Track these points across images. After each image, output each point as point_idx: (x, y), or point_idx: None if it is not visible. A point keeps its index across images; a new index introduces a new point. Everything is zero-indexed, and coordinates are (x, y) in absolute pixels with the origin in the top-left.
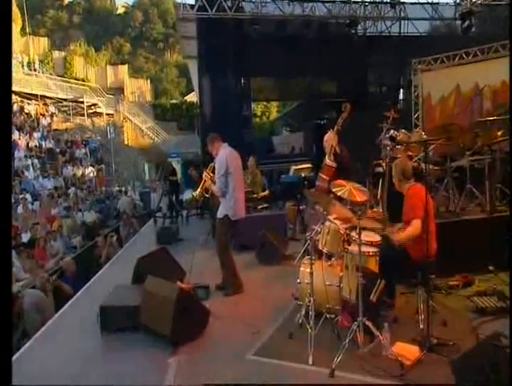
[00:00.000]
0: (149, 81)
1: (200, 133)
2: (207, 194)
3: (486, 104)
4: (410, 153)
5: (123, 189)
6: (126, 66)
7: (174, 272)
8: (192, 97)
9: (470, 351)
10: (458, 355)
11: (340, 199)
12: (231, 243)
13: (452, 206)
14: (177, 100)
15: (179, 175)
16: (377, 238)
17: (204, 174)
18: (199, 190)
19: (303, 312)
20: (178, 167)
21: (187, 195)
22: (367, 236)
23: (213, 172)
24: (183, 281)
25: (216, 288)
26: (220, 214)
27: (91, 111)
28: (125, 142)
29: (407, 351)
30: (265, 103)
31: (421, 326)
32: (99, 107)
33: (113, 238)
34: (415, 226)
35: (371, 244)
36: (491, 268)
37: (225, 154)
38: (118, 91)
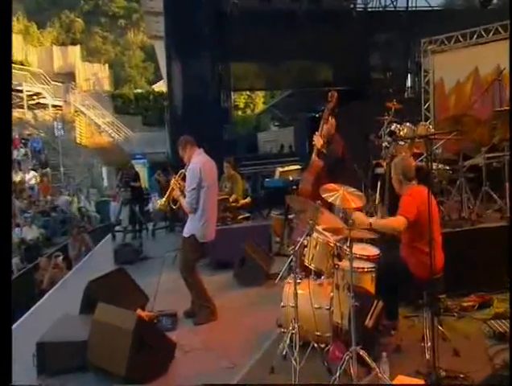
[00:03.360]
0: (107, 66)
1: (170, 130)
2: (174, 205)
3: (507, 90)
4: (417, 151)
5: (75, 198)
6: (78, 47)
7: (133, 297)
8: (161, 86)
9: (484, 383)
10: None
11: (330, 206)
12: (202, 261)
13: (465, 212)
14: (142, 90)
15: (144, 181)
16: (373, 252)
17: (173, 181)
18: (164, 199)
19: (287, 341)
20: (143, 171)
21: (153, 204)
22: (361, 250)
23: (184, 180)
24: (144, 309)
25: (185, 315)
26: (186, 232)
27: (32, 102)
28: (78, 141)
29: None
30: (248, 93)
31: (427, 356)
32: (43, 97)
33: (58, 258)
34: (397, 221)
35: (367, 258)
36: None
37: (199, 164)
38: (68, 77)
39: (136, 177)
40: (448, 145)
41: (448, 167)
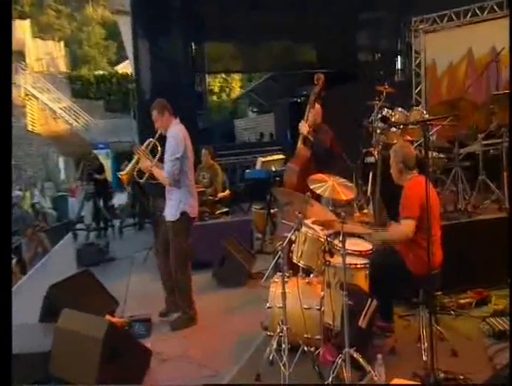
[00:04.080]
0: (62, 44)
1: (136, 116)
2: (140, 179)
3: (505, 72)
4: (409, 138)
5: (27, 193)
6: (28, 22)
7: (101, 302)
8: (125, 68)
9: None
10: None
11: (319, 197)
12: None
13: (461, 203)
14: (104, 72)
15: (108, 173)
16: (366, 247)
17: (140, 149)
18: (129, 168)
19: (275, 345)
20: (107, 162)
21: (119, 199)
22: (354, 245)
23: (153, 151)
24: (114, 315)
25: (160, 316)
26: (173, 214)
27: None
28: (29, 128)
29: None
30: (223, 76)
31: (424, 358)
32: None
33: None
34: (405, 226)
35: (359, 254)
36: None
37: (181, 132)
38: (16, 56)
39: (100, 169)
40: (442, 132)
41: (442, 155)
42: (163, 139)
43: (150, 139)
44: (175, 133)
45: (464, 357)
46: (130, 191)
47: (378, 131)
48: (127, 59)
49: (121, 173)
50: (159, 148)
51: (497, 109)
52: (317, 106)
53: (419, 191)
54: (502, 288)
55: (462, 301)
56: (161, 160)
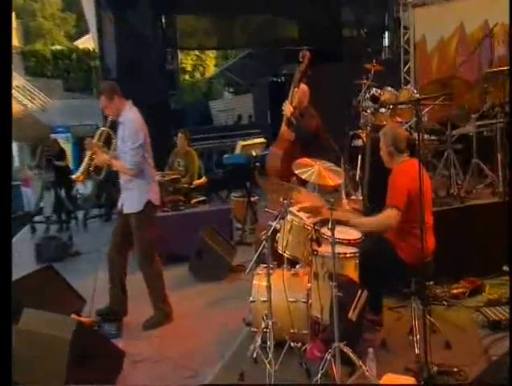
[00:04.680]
0: (14, 15)
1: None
2: (98, 175)
3: (498, 49)
4: (399, 120)
5: None
6: None
7: (66, 301)
8: (87, 42)
9: (480, 377)
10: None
11: (304, 183)
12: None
13: (453, 188)
14: (62, 47)
15: (69, 159)
16: (356, 235)
17: (93, 143)
18: (82, 168)
19: (259, 342)
20: (67, 148)
21: (83, 188)
22: (343, 233)
23: (107, 142)
24: (80, 314)
25: (97, 314)
26: (136, 205)
27: None
28: None
29: (400, 384)
30: (197, 52)
31: (416, 351)
32: None
33: None
34: (387, 215)
35: (349, 242)
36: (506, 268)
37: (139, 117)
38: None
39: (61, 154)
40: (432, 113)
41: (433, 138)
42: (116, 126)
43: (102, 128)
44: (132, 118)
45: (457, 349)
46: (95, 179)
47: (367, 112)
48: (89, 32)
49: (75, 175)
50: (114, 137)
51: (491, 88)
52: (303, 86)
53: (409, 176)
54: (497, 276)
55: (455, 290)
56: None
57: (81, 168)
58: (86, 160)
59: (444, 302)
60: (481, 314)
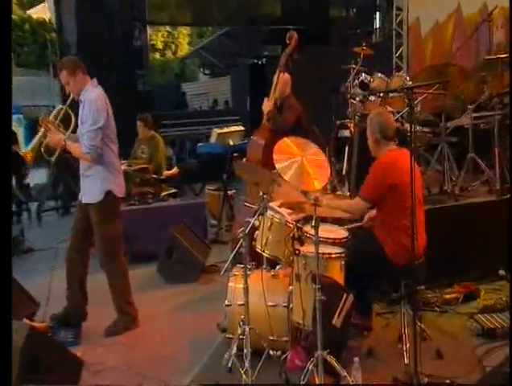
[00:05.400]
0: None
1: (58, 75)
2: (50, 156)
3: (497, 34)
4: (390, 109)
5: None
6: None
7: (17, 304)
8: (42, 12)
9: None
10: None
11: None
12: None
13: (447, 185)
14: (14, 16)
15: (21, 144)
16: (341, 234)
17: (47, 120)
18: (33, 143)
19: (235, 349)
20: (19, 131)
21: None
22: (328, 232)
23: (66, 122)
24: (33, 318)
25: (51, 319)
26: (95, 195)
27: None
28: None
29: None
30: (168, 28)
31: (406, 360)
32: None
33: None
34: (355, 202)
35: (334, 242)
36: (502, 272)
37: (102, 97)
38: None
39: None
40: (426, 103)
41: (426, 130)
42: (76, 106)
43: (61, 106)
44: (94, 97)
45: (450, 359)
46: (51, 167)
47: (355, 100)
48: (42, 1)
49: (23, 151)
50: (73, 117)
51: (489, 77)
52: (285, 76)
53: (396, 168)
54: (493, 281)
55: (448, 296)
56: (74, 131)
57: (31, 144)
58: (38, 137)
59: (436, 308)
60: (476, 322)
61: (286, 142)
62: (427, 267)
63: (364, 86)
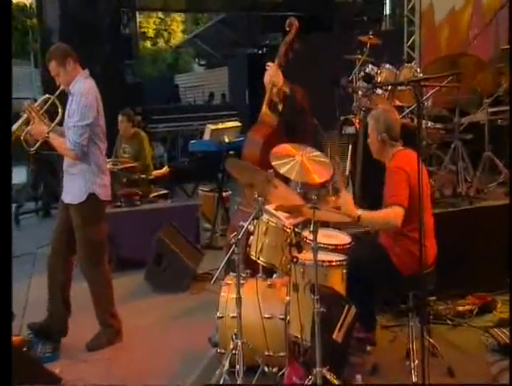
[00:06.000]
0: None
1: (39, 64)
2: (30, 147)
3: None
4: (398, 103)
5: None
6: None
7: None
8: None
9: None
10: None
11: (285, 177)
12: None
13: (461, 186)
14: None
15: None
16: (343, 239)
17: (31, 107)
18: (14, 128)
19: (227, 365)
20: None
21: (16, 176)
22: (328, 237)
23: (53, 113)
24: None
25: (29, 327)
26: (77, 195)
27: None
28: None
29: None
30: (160, 15)
31: (414, 378)
32: None
33: None
34: (395, 213)
35: (335, 248)
36: None
37: (93, 91)
38: None
39: None
40: (438, 97)
41: (439, 126)
42: (66, 97)
43: (48, 95)
44: (84, 90)
45: (462, 377)
46: (31, 166)
47: (360, 93)
48: None
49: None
50: (60, 109)
51: (508, 68)
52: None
53: (406, 170)
54: (510, 291)
55: (461, 307)
56: (61, 124)
57: (18, 123)
58: (19, 122)
59: (448, 321)
60: (491, 336)
61: (285, 146)
62: (439, 276)
63: (370, 78)
